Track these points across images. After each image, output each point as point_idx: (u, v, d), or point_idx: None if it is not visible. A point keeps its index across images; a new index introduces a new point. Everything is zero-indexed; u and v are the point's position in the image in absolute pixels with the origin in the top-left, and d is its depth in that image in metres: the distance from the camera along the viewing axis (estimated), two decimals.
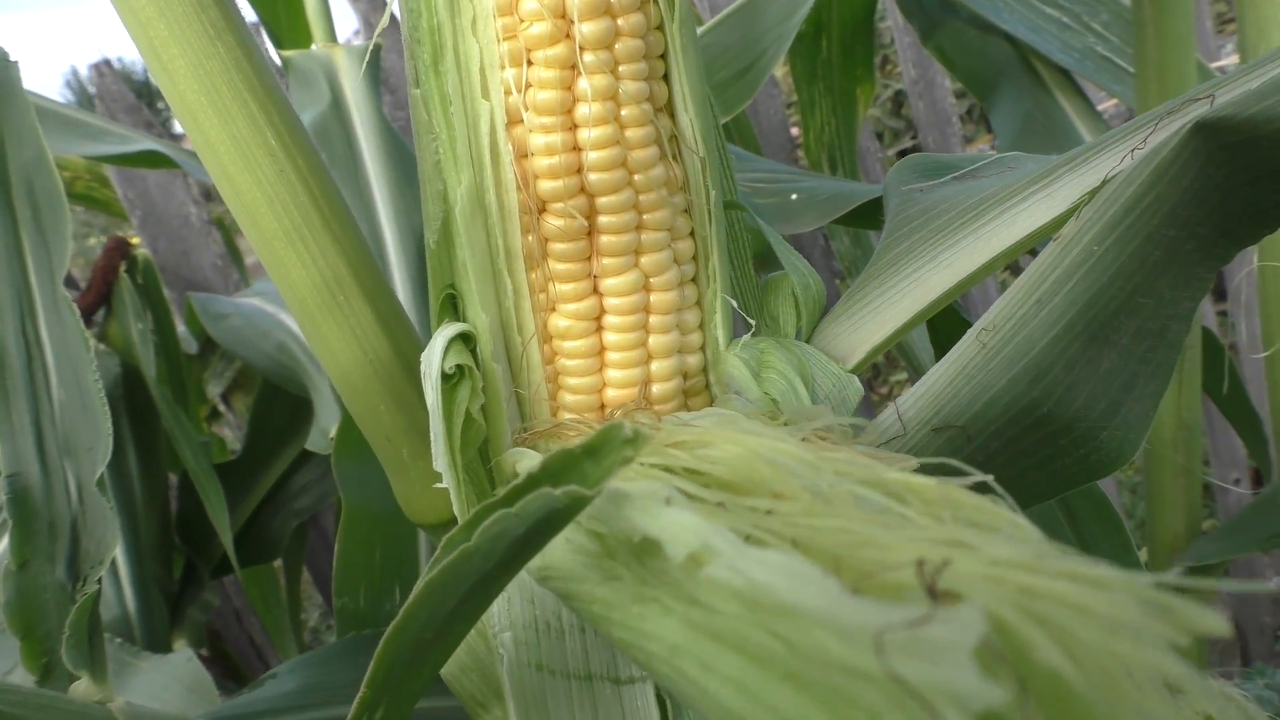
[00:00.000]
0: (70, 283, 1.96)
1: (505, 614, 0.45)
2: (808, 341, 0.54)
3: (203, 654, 1.62)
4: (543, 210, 0.47)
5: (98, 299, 1.48)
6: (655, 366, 0.50)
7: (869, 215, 0.92)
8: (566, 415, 0.50)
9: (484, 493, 0.51)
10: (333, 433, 1.11)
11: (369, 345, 0.54)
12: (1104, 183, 0.43)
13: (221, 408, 1.98)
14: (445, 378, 0.47)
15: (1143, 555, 1.21)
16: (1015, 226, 0.47)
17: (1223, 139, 0.40)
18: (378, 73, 1.26)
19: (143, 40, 0.50)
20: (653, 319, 0.49)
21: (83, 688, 0.61)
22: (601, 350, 0.49)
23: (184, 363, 1.72)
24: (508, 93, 0.45)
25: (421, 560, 1.07)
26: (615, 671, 0.43)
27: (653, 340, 0.50)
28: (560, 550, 0.34)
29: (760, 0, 1.26)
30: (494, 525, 0.30)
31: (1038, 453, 0.46)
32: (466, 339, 0.49)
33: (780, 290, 0.55)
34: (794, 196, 1.03)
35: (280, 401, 1.52)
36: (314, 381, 1.24)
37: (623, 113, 0.45)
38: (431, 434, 0.48)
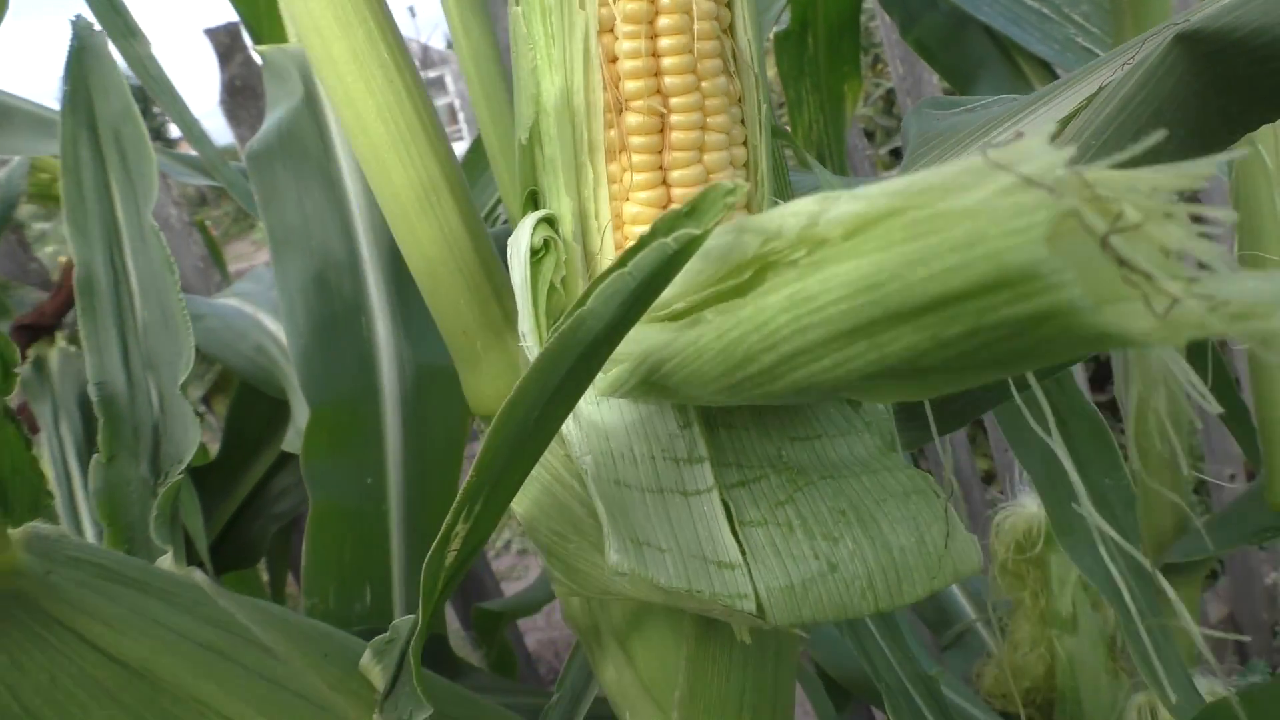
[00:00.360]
0: (50, 287, 1.98)
1: (584, 443, 0.52)
2: None
3: None
4: (624, 108, 0.55)
5: (68, 299, 1.45)
6: None
7: None
8: None
9: None
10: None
11: (455, 242, 0.62)
12: (1099, 90, 0.52)
13: (202, 409, 1.97)
14: (533, 252, 0.55)
15: None
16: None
17: (1199, 49, 0.49)
18: None
19: None
20: None
21: (168, 563, 0.67)
22: None
23: None
24: (601, 4, 0.53)
25: (393, 559, 1.06)
26: (684, 486, 0.50)
27: None
28: (653, 332, 0.41)
29: None
30: (609, 286, 0.36)
31: None
32: (550, 223, 0.56)
33: None
34: None
35: (258, 404, 1.50)
36: (291, 382, 1.26)
37: (695, 27, 0.54)
38: (518, 304, 0.55)
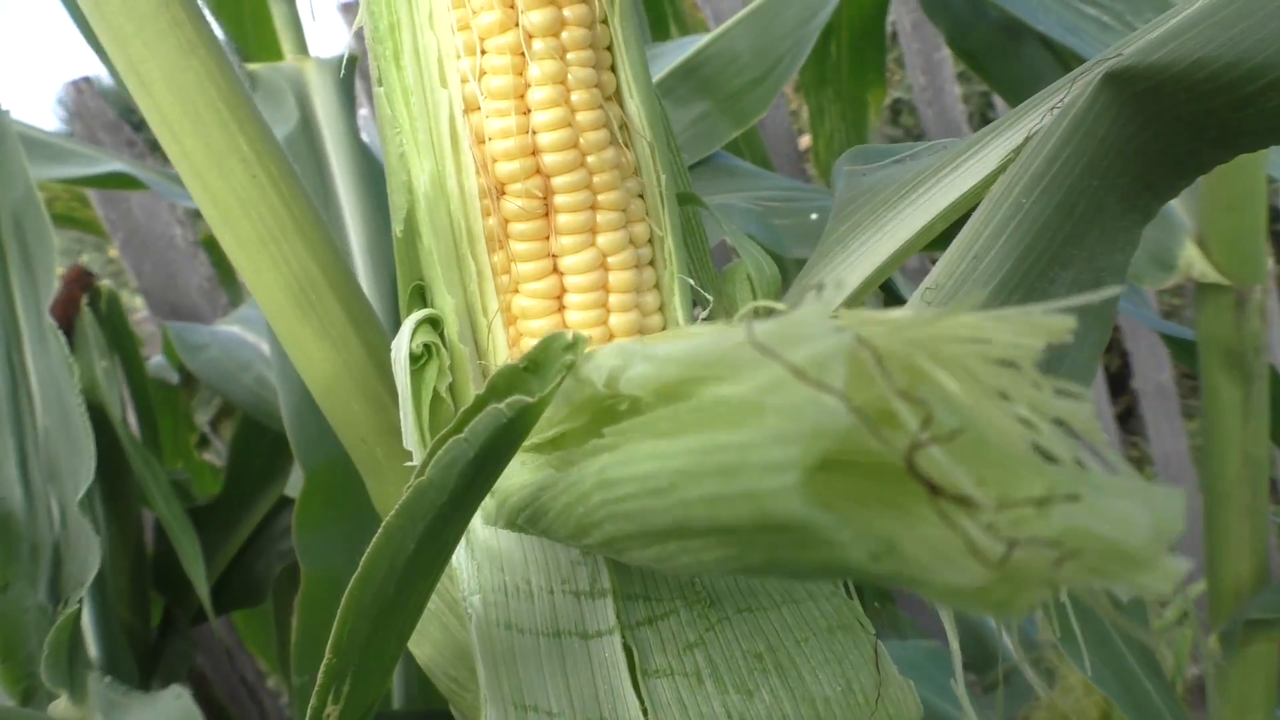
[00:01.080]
0: None
1: (475, 579, 0.46)
2: None
3: None
4: (502, 193, 0.49)
5: (62, 321, 1.41)
6: None
7: None
8: None
9: None
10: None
11: (342, 344, 0.56)
12: (1026, 140, 0.46)
13: (210, 436, 1.91)
14: (414, 358, 0.49)
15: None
16: (951, 190, 0.49)
17: (1131, 87, 0.43)
18: (353, 87, 1.20)
19: (120, 57, 0.52)
20: (612, 298, 0.51)
21: (62, 707, 0.62)
22: (564, 329, 0.51)
23: (162, 396, 1.64)
24: (464, 81, 0.47)
25: None
26: (583, 627, 0.44)
27: (614, 319, 0.51)
28: (516, 473, 0.36)
29: (774, 4, 1.18)
30: (446, 454, 0.31)
31: None
32: (434, 323, 0.50)
33: (737, 276, 0.57)
34: (813, 216, 1.02)
35: (262, 438, 1.45)
36: None
37: (573, 97, 0.48)
38: (401, 415, 0.49)
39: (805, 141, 2.08)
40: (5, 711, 0.55)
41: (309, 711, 0.39)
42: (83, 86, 1.95)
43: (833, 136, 1.48)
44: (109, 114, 1.94)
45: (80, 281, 1.38)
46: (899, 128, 3.76)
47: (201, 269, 2.00)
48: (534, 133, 0.48)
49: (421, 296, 0.53)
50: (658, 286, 0.53)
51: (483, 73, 0.47)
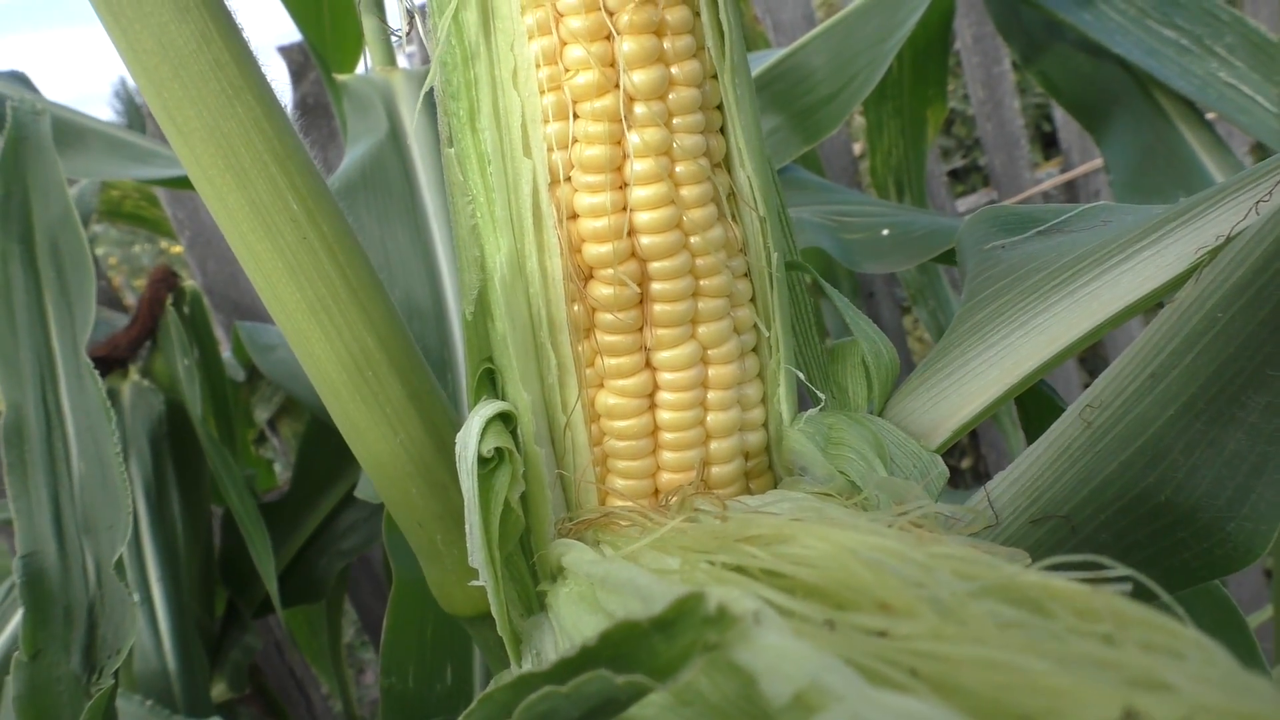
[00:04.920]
0: (117, 304, 1.92)
1: None
2: (880, 415, 0.49)
3: (244, 694, 1.57)
4: (589, 277, 0.42)
5: (143, 332, 1.42)
6: (714, 446, 0.45)
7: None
8: (616, 502, 0.45)
9: (525, 589, 0.46)
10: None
11: (399, 424, 0.50)
12: (1228, 239, 0.38)
13: (268, 433, 1.92)
14: (482, 462, 0.43)
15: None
16: (1120, 288, 0.41)
17: None
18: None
19: (156, 102, 0.46)
20: (711, 395, 0.44)
21: None
22: (655, 430, 0.45)
23: (231, 395, 1.67)
24: (550, 150, 0.40)
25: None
26: None
27: (711, 418, 0.45)
28: None
29: (850, 22, 1.16)
30: (540, 703, 0.25)
31: (1153, 545, 0.40)
32: (506, 419, 0.44)
33: (848, 358, 0.50)
34: (885, 232, 0.97)
35: (328, 438, 1.42)
36: None
37: (677, 169, 0.41)
38: (467, 527, 0.43)
39: (859, 148, 2.02)
40: None
41: None
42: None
43: (890, 152, 1.45)
44: None
45: (166, 281, 1.39)
46: (951, 138, 3.66)
47: None
48: (631, 210, 0.41)
49: (491, 381, 0.46)
50: (760, 376, 0.46)
51: (574, 140, 0.40)
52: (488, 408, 0.44)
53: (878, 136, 1.43)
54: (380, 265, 0.95)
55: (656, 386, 0.44)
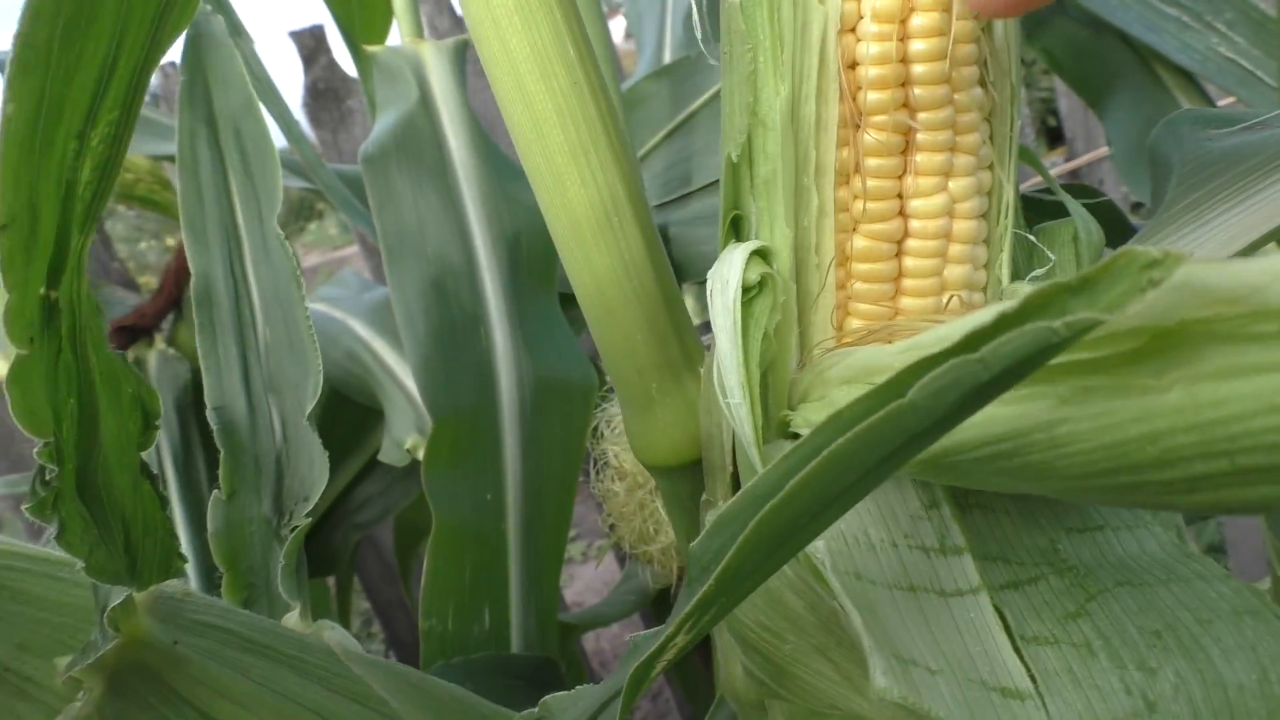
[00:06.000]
0: (132, 285, 1.95)
1: None
2: None
3: None
4: (859, 126, 0.46)
5: (168, 303, 1.45)
6: (947, 299, 0.49)
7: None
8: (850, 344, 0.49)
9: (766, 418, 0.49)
10: (408, 444, 1.05)
11: (635, 271, 0.54)
12: None
13: None
14: (744, 289, 0.46)
15: None
16: None
17: None
18: (464, 72, 1.18)
19: None
20: (953, 248, 0.48)
21: (294, 620, 0.60)
22: (898, 276, 0.48)
23: None
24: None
25: (511, 581, 1.01)
26: (939, 584, 0.41)
27: (949, 271, 0.49)
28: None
29: None
30: (945, 376, 0.27)
31: None
32: (764, 256, 0.48)
33: (1059, 237, 0.54)
34: None
35: (344, 412, 1.43)
36: (386, 390, 1.21)
37: (954, 25, 0.45)
38: (722, 354, 0.47)
39: None
40: (253, 620, 0.53)
41: (660, 641, 0.37)
42: (169, 71, 1.98)
43: None
44: None
45: None
46: None
47: None
48: (909, 62, 0.45)
49: (736, 229, 0.50)
50: (987, 240, 0.50)
51: None
52: (748, 244, 0.47)
53: None
54: (413, 225, 0.99)
55: (907, 234, 0.48)
